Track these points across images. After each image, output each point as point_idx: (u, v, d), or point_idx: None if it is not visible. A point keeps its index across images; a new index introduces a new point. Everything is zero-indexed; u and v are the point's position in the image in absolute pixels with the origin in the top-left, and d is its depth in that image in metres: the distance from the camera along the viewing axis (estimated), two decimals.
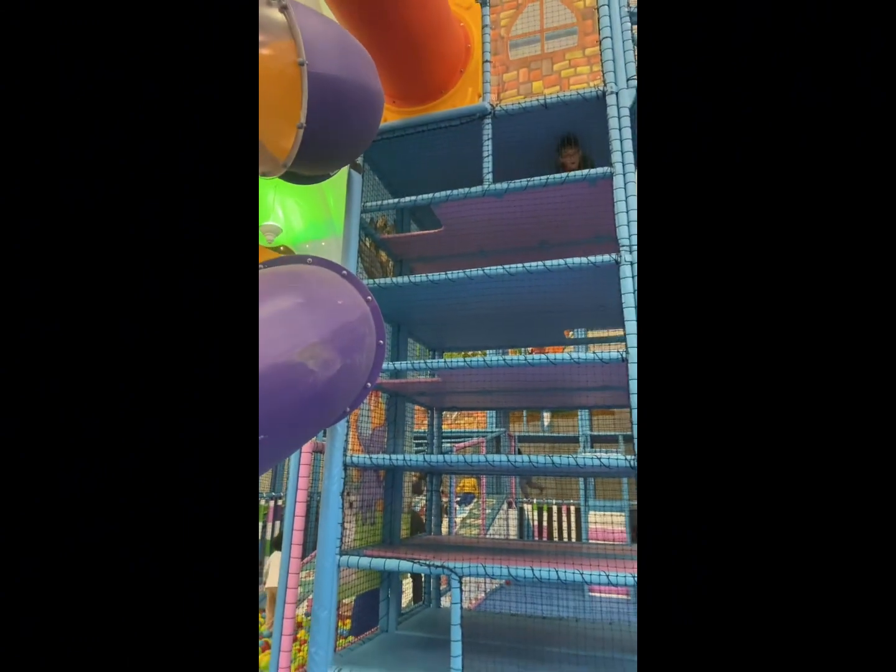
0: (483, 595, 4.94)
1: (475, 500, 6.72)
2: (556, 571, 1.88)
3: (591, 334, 4.20)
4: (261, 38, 1.38)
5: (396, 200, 2.46)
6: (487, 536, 5.39)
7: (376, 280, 2.34)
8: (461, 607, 1.98)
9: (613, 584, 1.81)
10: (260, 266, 1.55)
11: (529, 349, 5.69)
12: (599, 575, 1.84)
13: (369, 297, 1.60)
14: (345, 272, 1.56)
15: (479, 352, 5.63)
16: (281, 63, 1.34)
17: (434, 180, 2.83)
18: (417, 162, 2.77)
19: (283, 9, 1.34)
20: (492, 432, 6.32)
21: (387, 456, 2.09)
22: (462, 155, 2.67)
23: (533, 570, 1.90)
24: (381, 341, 1.64)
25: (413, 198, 2.43)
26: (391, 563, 2.06)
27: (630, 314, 2.02)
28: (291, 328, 1.19)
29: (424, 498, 3.32)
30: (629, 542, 5.58)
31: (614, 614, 4.12)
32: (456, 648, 1.91)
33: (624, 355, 2.00)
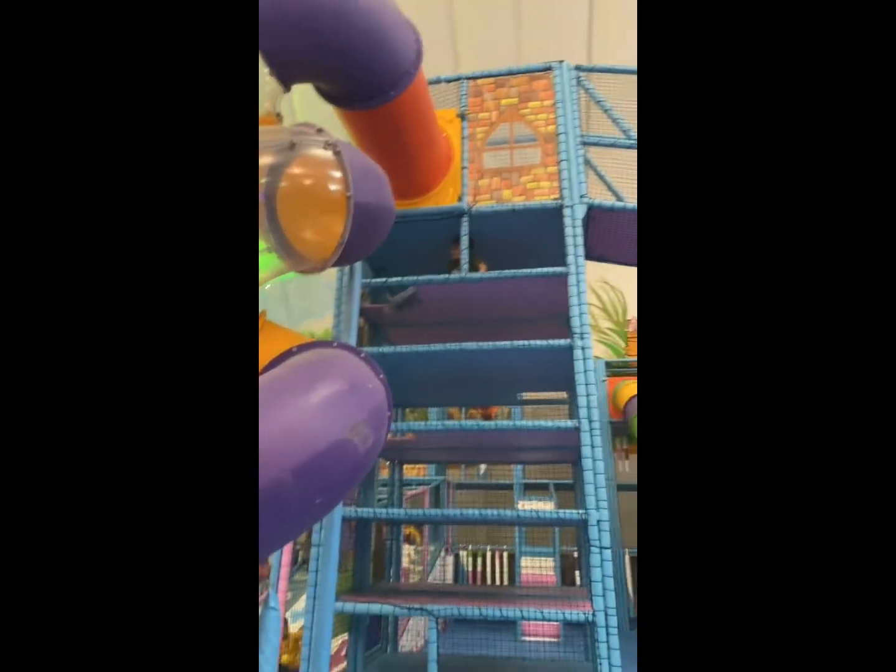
0: (423, 642, 5.10)
1: (413, 546, 6.88)
2: (521, 611, 2.21)
3: (528, 395, 4.66)
4: (317, 172, 1.73)
5: (384, 280, 2.82)
6: (430, 581, 5.58)
7: (367, 349, 2.66)
8: (437, 647, 2.25)
9: (573, 622, 2.17)
10: (295, 350, 1.85)
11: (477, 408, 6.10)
12: (558, 613, 2.19)
13: (381, 376, 1.92)
14: (362, 355, 1.88)
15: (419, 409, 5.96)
16: (332, 193, 1.69)
17: (410, 260, 3.22)
18: (397, 245, 3.15)
19: (337, 153, 1.70)
20: (433, 480, 6.59)
21: (393, 510, 2.37)
22: (436, 241, 3.10)
23: (501, 609, 2.22)
24: (389, 412, 1.96)
25: (400, 278, 2.80)
26: (374, 608, 2.30)
27: (582, 390, 2.46)
28: (343, 411, 1.50)
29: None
30: (559, 584, 5.96)
31: (549, 654, 4.45)
32: None
33: (576, 424, 2.43)
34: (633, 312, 9.11)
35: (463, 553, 7.28)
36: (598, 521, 2.20)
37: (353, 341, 2.34)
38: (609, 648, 2.08)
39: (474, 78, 3.17)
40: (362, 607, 2.30)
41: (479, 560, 7.26)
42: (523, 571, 6.25)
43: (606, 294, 9.01)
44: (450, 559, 6.91)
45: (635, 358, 8.51)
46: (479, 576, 7.10)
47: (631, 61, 3.38)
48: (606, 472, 4.55)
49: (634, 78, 3.10)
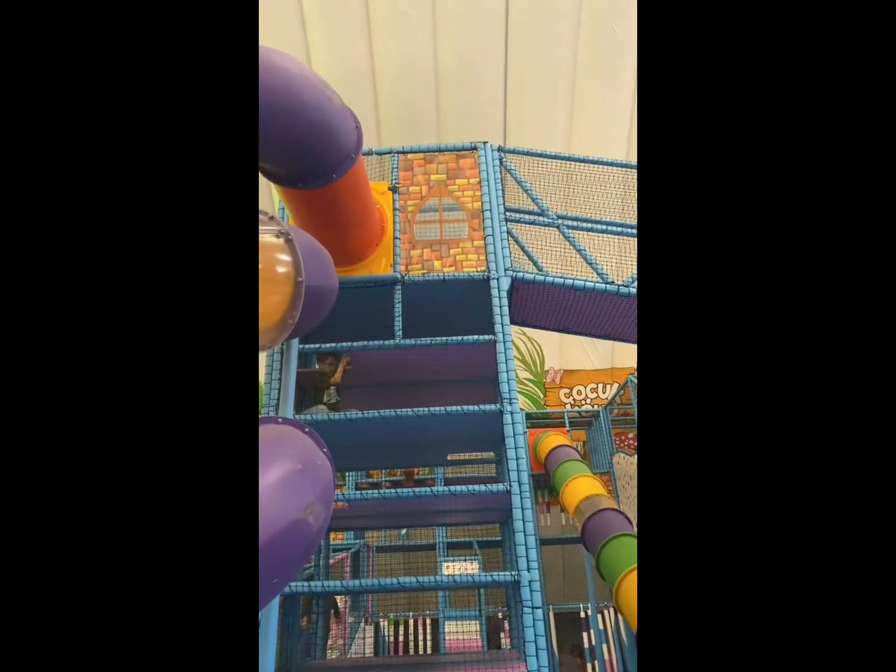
0: None
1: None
2: None
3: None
4: (270, 257, 1.91)
5: (318, 346, 2.98)
6: (351, 656, 5.47)
7: (300, 417, 2.77)
8: None
9: None
10: None
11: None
12: None
13: (325, 450, 2.07)
14: (307, 430, 2.03)
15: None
16: (285, 277, 1.88)
17: (338, 325, 3.39)
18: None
19: (288, 241, 1.89)
20: (353, 544, 6.54)
21: (329, 583, 2.44)
22: (365, 308, 3.31)
23: None
24: (335, 487, 2.11)
25: (333, 344, 2.97)
26: None
27: (512, 454, 2.73)
28: (298, 492, 1.64)
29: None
30: (485, 648, 6.05)
31: None
32: None
33: (507, 487, 2.68)
34: (550, 363, 9.72)
35: (384, 622, 7.18)
36: (530, 582, 2.43)
37: (290, 412, 2.47)
38: None
39: (405, 152, 3.51)
40: None
41: (402, 628, 7.19)
42: (448, 637, 6.27)
43: (525, 345, 9.58)
44: (369, 628, 6.79)
45: (554, 409, 9.06)
46: (401, 646, 7.01)
47: (540, 145, 3.88)
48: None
49: (548, 161, 3.58)
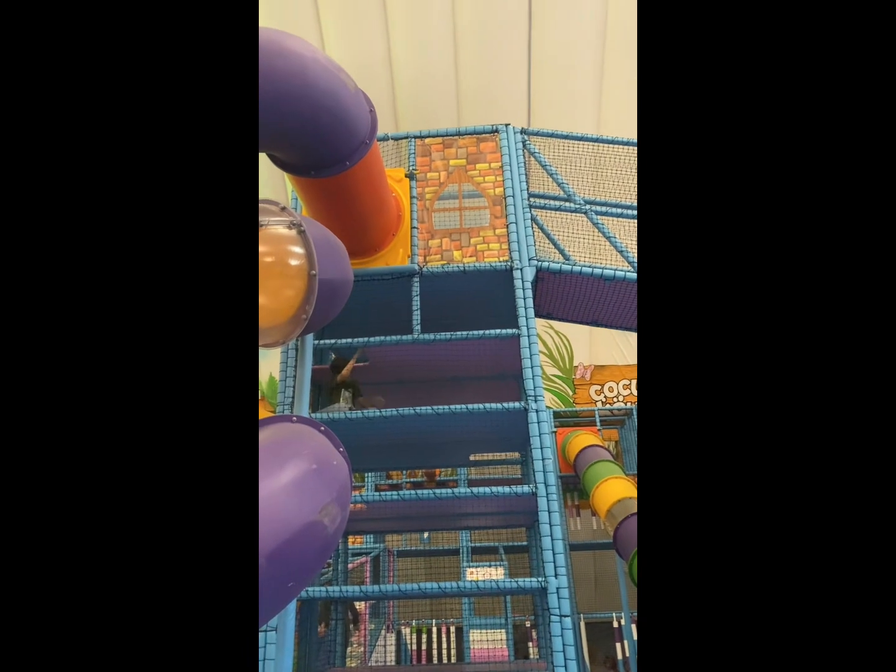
0: None
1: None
2: None
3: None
4: (282, 250, 1.92)
5: (334, 341, 3.00)
6: (371, 665, 5.52)
7: (316, 415, 2.80)
8: None
9: None
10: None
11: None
12: None
13: (341, 449, 2.09)
14: (322, 428, 2.04)
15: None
16: (298, 270, 1.89)
17: (353, 320, 3.41)
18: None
19: (301, 232, 1.91)
20: (373, 549, 6.60)
21: (347, 588, 2.47)
22: (382, 301, 3.32)
23: None
24: (352, 488, 2.13)
25: (349, 340, 2.99)
26: None
27: (538, 454, 2.72)
28: (313, 493, 1.66)
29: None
30: (511, 658, 6.05)
31: None
32: None
33: (533, 489, 2.67)
34: (579, 359, 9.63)
35: (405, 630, 7.23)
36: (558, 589, 2.42)
37: (305, 410, 2.49)
38: None
39: (422, 137, 3.50)
40: None
41: (424, 636, 7.23)
42: (473, 646, 6.29)
43: (552, 340, 9.50)
44: (391, 636, 6.84)
45: (584, 406, 8.97)
46: (423, 654, 7.05)
47: (567, 126, 3.83)
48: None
49: (576, 144, 3.53)
